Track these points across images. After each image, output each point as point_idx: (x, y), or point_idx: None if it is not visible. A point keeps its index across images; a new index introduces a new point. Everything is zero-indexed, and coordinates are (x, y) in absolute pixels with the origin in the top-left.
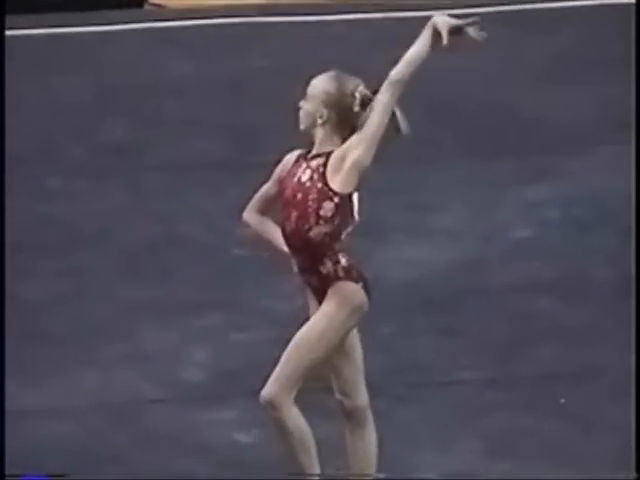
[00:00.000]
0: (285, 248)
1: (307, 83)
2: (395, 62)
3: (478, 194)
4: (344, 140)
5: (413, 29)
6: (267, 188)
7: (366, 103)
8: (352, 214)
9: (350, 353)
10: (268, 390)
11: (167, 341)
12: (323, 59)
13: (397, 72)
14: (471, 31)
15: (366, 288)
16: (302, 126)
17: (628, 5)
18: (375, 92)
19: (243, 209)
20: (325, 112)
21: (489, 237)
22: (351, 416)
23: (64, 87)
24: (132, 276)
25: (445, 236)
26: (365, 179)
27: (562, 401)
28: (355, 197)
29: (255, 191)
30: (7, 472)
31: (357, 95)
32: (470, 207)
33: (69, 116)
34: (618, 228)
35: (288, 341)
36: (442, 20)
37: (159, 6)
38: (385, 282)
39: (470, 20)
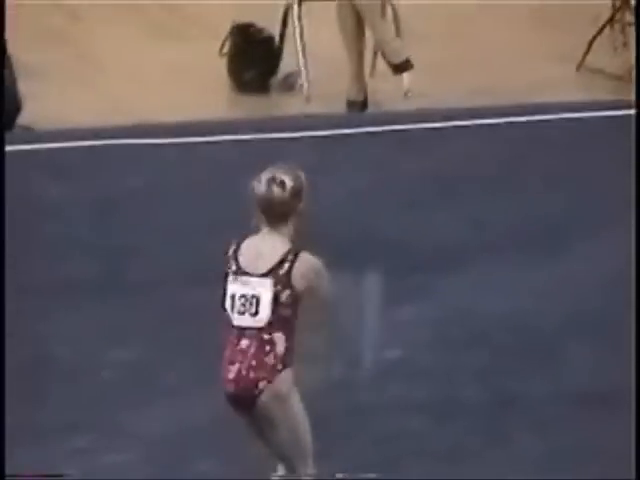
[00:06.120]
0: None
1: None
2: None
3: (347, 315)
4: None
5: (283, 150)
6: None
7: None
8: None
9: None
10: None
11: (39, 463)
12: (194, 180)
13: None
14: None
15: None
16: None
17: (499, 125)
18: None
19: (112, 331)
20: None
21: (359, 358)
22: None
23: None
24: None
25: (315, 357)
26: None
27: None
28: None
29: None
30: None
31: None
32: (339, 328)
33: None
34: (487, 347)
35: (159, 461)
36: None
37: (27, 129)
38: None
39: None
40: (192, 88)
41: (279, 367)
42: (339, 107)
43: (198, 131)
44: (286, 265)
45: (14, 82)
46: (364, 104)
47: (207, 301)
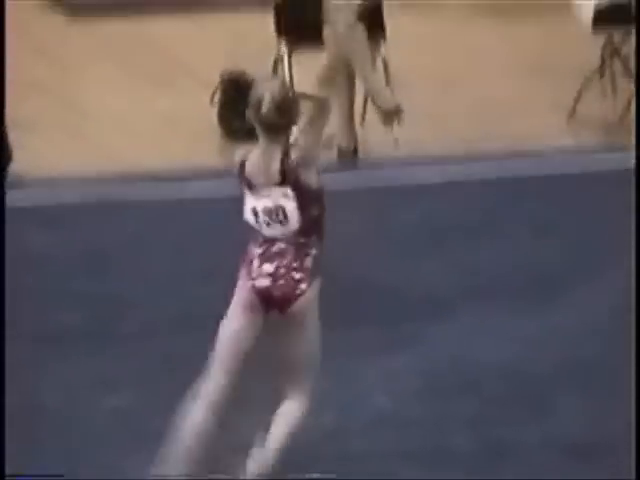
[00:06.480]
0: None
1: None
2: None
3: (338, 364)
4: None
5: None
6: None
7: None
8: None
9: None
10: None
11: None
12: (185, 228)
13: None
14: None
15: None
16: None
17: (482, 182)
18: None
19: (104, 380)
20: None
21: (349, 407)
22: None
23: None
24: None
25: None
26: None
27: None
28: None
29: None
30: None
31: None
32: (330, 377)
33: None
34: (478, 395)
35: None
36: None
37: (17, 176)
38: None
39: None
40: (182, 136)
41: (314, 273)
42: (329, 155)
43: (189, 179)
44: (292, 169)
45: (5, 132)
46: (355, 152)
47: (198, 349)
